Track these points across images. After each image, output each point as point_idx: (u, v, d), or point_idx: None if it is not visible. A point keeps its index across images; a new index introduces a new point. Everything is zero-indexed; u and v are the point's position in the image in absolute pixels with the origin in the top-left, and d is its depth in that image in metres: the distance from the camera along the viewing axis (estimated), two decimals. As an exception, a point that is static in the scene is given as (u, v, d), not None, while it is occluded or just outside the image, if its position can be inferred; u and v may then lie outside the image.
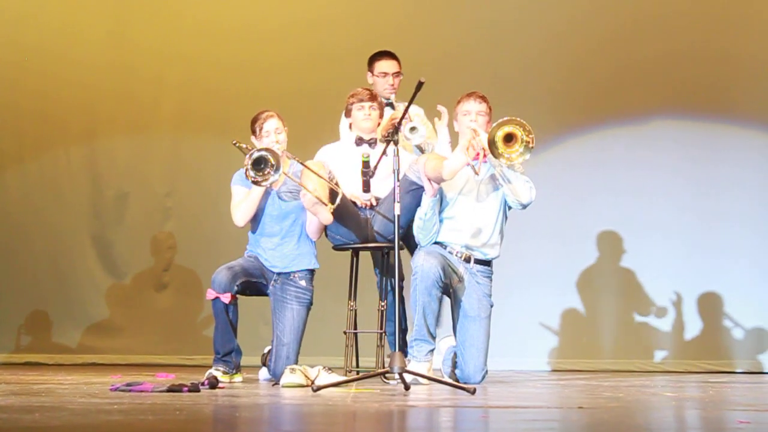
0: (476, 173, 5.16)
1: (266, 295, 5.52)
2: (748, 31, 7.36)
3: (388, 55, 6.03)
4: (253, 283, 5.44)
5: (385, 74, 5.97)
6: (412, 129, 5.49)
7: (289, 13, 7.83)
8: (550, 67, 7.49)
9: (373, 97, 5.66)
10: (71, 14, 8.00)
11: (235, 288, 5.32)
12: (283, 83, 7.62)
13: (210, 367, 5.40)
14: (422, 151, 5.76)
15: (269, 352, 5.55)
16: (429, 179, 5.17)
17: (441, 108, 5.60)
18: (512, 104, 6.62)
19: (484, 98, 5.42)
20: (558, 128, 7.43)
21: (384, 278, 5.58)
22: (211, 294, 5.31)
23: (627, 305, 7.37)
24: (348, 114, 5.72)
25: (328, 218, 5.30)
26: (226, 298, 5.28)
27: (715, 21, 7.39)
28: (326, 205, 5.20)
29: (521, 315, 7.20)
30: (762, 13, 7.38)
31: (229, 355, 5.39)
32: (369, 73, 6.04)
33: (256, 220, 5.50)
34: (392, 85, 5.97)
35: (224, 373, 5.34)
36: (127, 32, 7.95)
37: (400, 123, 4.89)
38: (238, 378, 5.45)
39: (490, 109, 5.42)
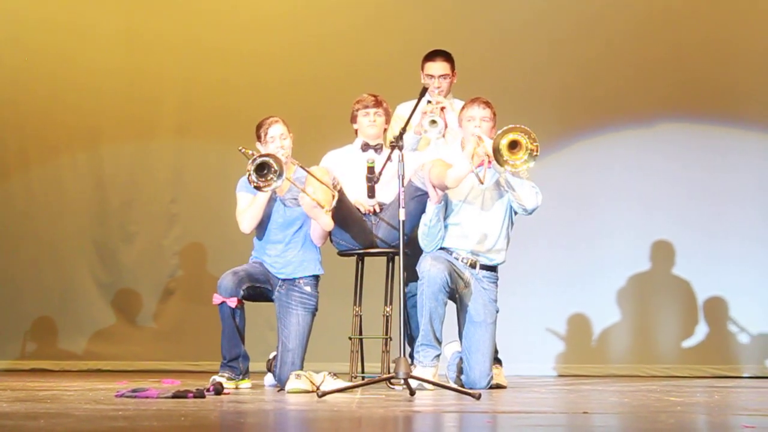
0: (481, 182, 5.13)
1: (272, 300, 5.51)
2: (754, 33, 7.34)
3: (437, 56, 5.80)
4: (259, 289, 5.44)
5: (432, 77, 5.76)
6: (432, 122, 5.49)
7: (294, 25, 7.83)
8: (554, 71, 7.49)
9: (378, 103, 5.66)
10: (78, 28, 8.00)
11: (241, 292, 5.32)
12: (290, 88, 7.64)
13: (216, 372, 5.40)
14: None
15: (274, 357, 5.54)
16: (433, 186, 5.16)
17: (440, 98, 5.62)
18: (517, 108, 6.65)
19: (488, 104, 5.38)
20: (563, 132, 7.43)
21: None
22: (217, 299, 5.31)
23: (633, 310, 7.36)
24: (353, 120, 5.73)
25: (328, 223, 5.30)
26: (232, 302, 5.28)
27: (719, 24, 7.37)
28: (323, 208, 5.19)
29: (527, 320, 7.20)
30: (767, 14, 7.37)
31: (235, 361, 5.39)
32: (421, 73, 5.84)
33: (262, 227, 5.49)
34: (439, 87, 5.73)
35: (229, 379, 5.33)
36: (133, 39, 7.96)
37: (404, 129, 4.88)
38: (245, 384, 5.44)
39: (494, 114, 5.37)
